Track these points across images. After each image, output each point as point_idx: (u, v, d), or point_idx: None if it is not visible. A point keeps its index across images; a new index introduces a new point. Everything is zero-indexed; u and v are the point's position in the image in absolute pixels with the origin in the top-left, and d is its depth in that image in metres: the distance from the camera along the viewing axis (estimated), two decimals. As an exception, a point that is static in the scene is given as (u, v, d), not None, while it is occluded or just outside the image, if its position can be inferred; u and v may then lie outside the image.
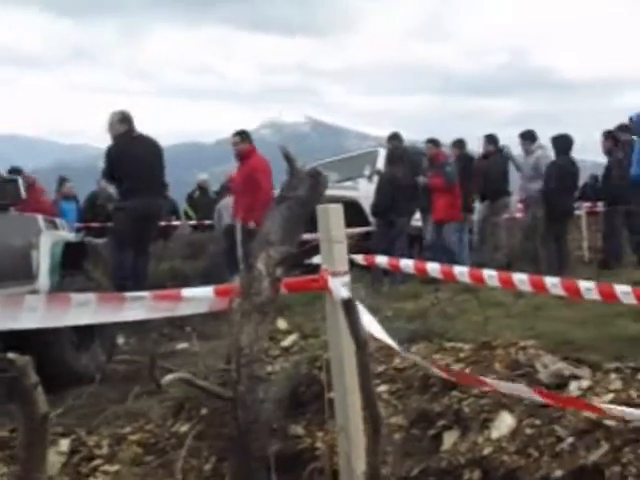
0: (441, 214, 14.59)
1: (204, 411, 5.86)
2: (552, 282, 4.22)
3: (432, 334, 6.92)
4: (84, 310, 4.43)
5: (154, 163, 12.69)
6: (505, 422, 5.20)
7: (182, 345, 10.11)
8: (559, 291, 4.17)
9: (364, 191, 16.76)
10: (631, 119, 13.32)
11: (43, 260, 9.44)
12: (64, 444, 5.84)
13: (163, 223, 20.33)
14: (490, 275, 4.45)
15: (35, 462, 2.86)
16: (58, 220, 11.08)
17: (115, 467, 5.63)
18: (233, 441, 3.08)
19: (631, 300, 4.02)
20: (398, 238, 13.98)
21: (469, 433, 5.28)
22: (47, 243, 9.59)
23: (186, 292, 4.40)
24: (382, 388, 5.98)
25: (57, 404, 6.90)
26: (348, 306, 3.36)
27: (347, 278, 3.77)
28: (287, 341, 7.24)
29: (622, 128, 14.10)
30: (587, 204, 16.51)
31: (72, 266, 9.86)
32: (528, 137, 15.06)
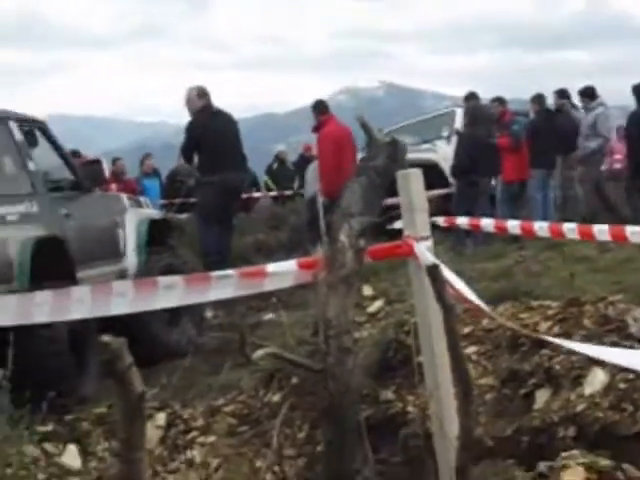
0: (510, 174, 14.44)
1: (294, 380, 5.92)
2: (632, 231, 4.15)
3: (518, 293, 6.88)
4: (172, 293, 4.51)
5: (233, 137, 12.80)
6: (598, 378, 5.15)
7: (269, 316, 10.20)
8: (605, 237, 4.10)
9: (442, 153, 16.72)
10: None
11: (129, 238, 9.62)
12: (161, 418, 5.96)
13: (244, 196, 20.50)
14: (569, 228, 4.40)
15: (134, 440, 2.93)
16: (142, 198, 11.27)
17: (211, 438, 5.73)
18: (325, 412, 3.10)
19: None
20: (480, 198, 13.84)
21: (561, 391, 5.25)
22: (132, 221, 9.76)
23: (271, 267, 4.44)
24: (471, 349, 5.96)
25: (152, 380, 7.05)
26: (433, 272, 3.36)
27: (430, 242, 3.77)
28: (373, 307, 7.26)
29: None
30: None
31: (158, 243, 10.01)
32: (587, 94, 14.82)
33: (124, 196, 10.40)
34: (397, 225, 4.04)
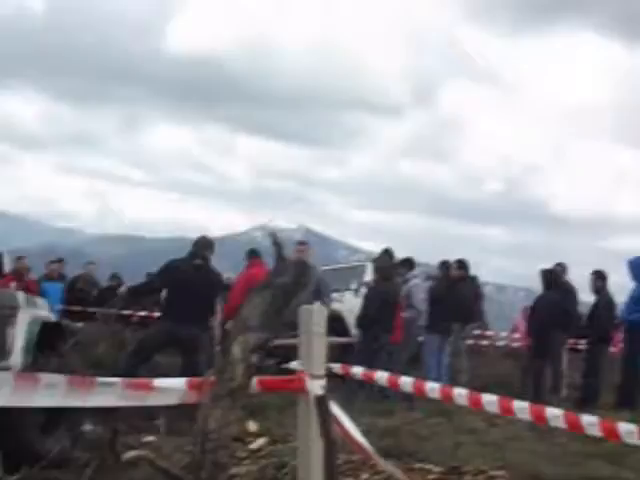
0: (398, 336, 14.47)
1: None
2: (520, 407, 4.19)
3: (403, 453, 6.83)
4: (52, 392, 4.35)
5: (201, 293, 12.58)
6: None
7: (149, 438, 9.93)
8: (526, 416, 4.13)
9: (349, 304, 16.76)
10: (630, 263, 13.38)
11: (18, 337, 9.35)
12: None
13: (145, 314, 20.20)
14: (459, 394, 4.41)
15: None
16: (39, 299, 11.01)
17: None
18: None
19: (595, 432, 3.99)
20: (379, 352, 13.87)
21: None
22: (24, 320, 9.51)
23: (158, 382, 4.34)
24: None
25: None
26: (321, 403, 3.34)
27: (323, 382, 3.74)
28: (256, 444, 7.14)
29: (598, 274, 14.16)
30: (570, 340, 16.46)
31: (48, 347, 9.75)
32: (406, 265, 15.38)
33: (20, 294, 10.16)
34: (293, 365, 4.00)
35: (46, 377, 4.45)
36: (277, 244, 3.29)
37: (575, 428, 4.02)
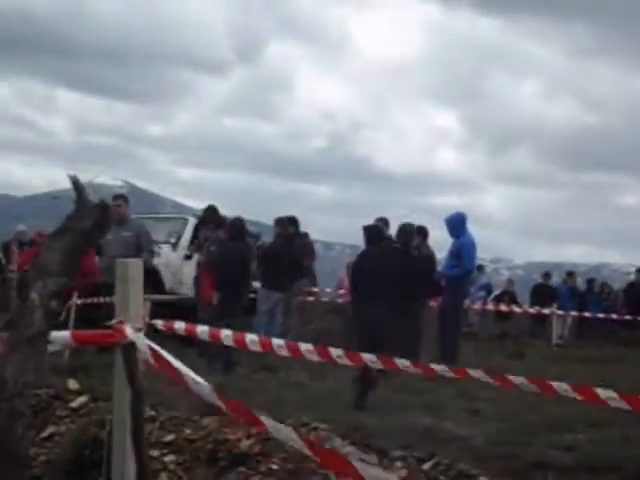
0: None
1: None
2: (338, 353, 4.25)
3: (226, 408, 6.81)
4: None
5: None
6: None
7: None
8: (346, 361, 4.20)
9: (165, 259, 16.24)
10: (447, 220, 13.78)
11: None
12: None
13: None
14: (279, 345, 4.44)
15: None
16: None
17: None
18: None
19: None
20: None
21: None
22: None
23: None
24: (169, 458, 5.85)
25: None
26: (128, 350, 3.29)
27: (142, 334, 3.67)
28: (76, 402, 6.99)
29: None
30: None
31: None
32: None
33: None
34: (114, 321, 3.92)
35: None
36: (78, 187, 3.19)
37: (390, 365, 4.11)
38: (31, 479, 5.58)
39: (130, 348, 3.37)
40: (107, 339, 3.64)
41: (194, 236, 16.47)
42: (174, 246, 16.60)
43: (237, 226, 13.88)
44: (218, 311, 12.71)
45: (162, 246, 16.55)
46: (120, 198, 13.63)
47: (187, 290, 15.71)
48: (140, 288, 3.82)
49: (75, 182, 3.21)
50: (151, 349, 3.59)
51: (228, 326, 7.72)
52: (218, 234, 14.17)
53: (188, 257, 16.29)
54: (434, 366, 4.20)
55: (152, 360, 3.64)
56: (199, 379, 3.80)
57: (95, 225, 3.20)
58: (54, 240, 3.17)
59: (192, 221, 16.91)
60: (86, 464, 5.77)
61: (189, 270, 15.92)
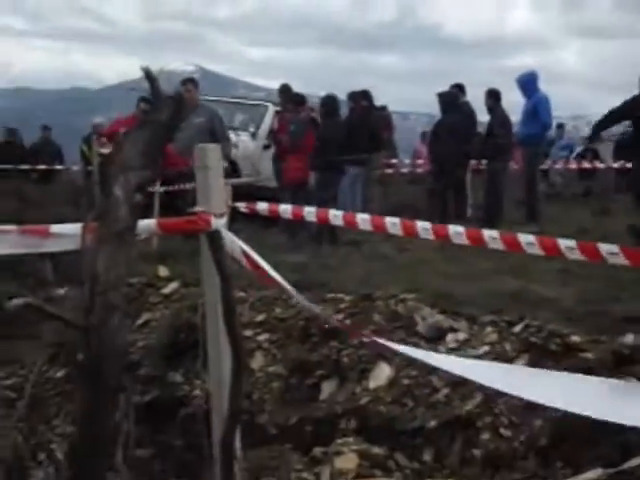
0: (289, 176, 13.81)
1: (80, 357, 5.75)
2: (423, 227, 4.21)
3: (313, 285, 6.91)
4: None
5: None
6: (383, 372, 5.25)
7: (61, 291, 9.87)
8: (429, 236, 4.16)
9: (243, 150, 15.78)
10: (519, 80, 13.53)
11: None
12: None
13: (45, 167, 19.85)
14: (363, 219, 4.42)
15: None
16: None
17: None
18: (84, 371, 2.98)
19: (497, 245, 4.04)
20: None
21: (347, 383, 5.32)
22: None
23: (55, 228, 4.24)
24: (262, 337, 5.97)
25: None
26: (214, 239, 3.31)
27: (225, 220, 3.70)
28: (168, 289, 7.15)
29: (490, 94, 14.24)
30: (473, 162, 16.66)
31: None
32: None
33: None
34: (197, 209, 3.95)
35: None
36: (151, 80, 3.18)
37: (477, 242, 4.06)
38: (131, 364, 5.76)
39: (215, 235, 3.39)
40: (191, 226, 3.68)
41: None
42: (253, 135, 16.33)
43: (330, 103, 13.73)
44: (321, 189, 12.70)
45: (240, 134, 16.18)
46: (189, 82, 13.23)
47: (266, 181, 15.32)
48: (220, 174, 3.83)
49: (148, 74, 3.20)
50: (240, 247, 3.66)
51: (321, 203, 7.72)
52: (301, 114, 13.94)
53: (267, 147, 16.02)
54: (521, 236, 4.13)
55: (242, 257, 3.70)
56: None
57: (171, 116, 3.20)
58: (133, 134, 3.18)
59: (272, 109, 16.55)
60: (182, 347, 5.94)
61: (268, 160, 15.54)
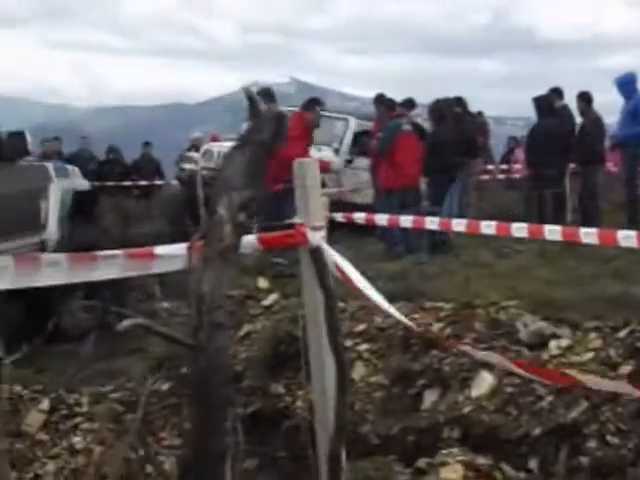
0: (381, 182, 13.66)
1: (183, 370, 5.85)
2: (518, 227, 4.18)
3: (412, 294, 6.90)
4: (55, 270, 4.37)
5: None
6: (485, 381, 5.21)
7: (166, 305, 10.03)
8: (524, 234, 4.12)
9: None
10: (617, 82, 13.32)
11: (52, 210, 9.45)
12: (44, 402, 5.83)
13: (146, 183, 20.22)
14: (458, 222, 4.41)
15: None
16: (70, 167, 10.99)
17: (95, 425, 5.62)
18: (193, 389, 3.05)
19: (592, 240, 3.98)
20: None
21: (449, 392, 5.30)
22: (57, 192, 9.59)
23: (159, 249, 4.35)
24: (363, 347, 5.98)
25: (39, 364, 6.93)
26: (316, 255, 3.34)
27: (324, 233, 3.73)
28: (268, 300, 7.21)
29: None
30: (572, 165, 16.39)
31: (83, 214, 9.86)
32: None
33: (50, 165, 10.17)
34: (297, 220, 4.00)
35: (47, 256, 4.47)
36: (251, 98, 3.23)
37: (572, 237, 4.01)
38: (234, 376, 5.83)
39: (317, 251, 3.43)
40: (291, 241, 3.72)
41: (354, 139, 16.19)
42: (336, 151, 16.30)
43: (439, 109, 13.60)
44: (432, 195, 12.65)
45: (323, 148, 15.99)
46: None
47: (349, 196, 15.23)
48: (318, 188, 3.86)
49: (248, 94, 3.26)
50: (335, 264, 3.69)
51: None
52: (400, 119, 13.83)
53: (349, 162, 16.03)
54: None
55: (337, 272, 3.72)
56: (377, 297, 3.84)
57: (273, 135, 3.24)
58: (235, 153, 3.23)
59: (353, 122, 16.52)
60: (283, 359, 5.98)
61: (349, 175, 15.65)
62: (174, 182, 20.86)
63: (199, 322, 2.98)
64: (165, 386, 6.26)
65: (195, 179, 15.20)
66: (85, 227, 9.76)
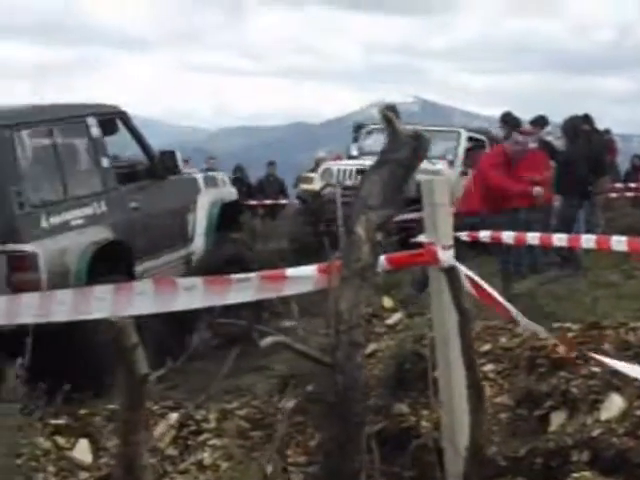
0: None
1: (309, 387, 5.90)
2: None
3: (540, 314, 6.82)
4: (191, 294, 4.50)
5: None
6: (615, 403, 5.11)
7: (289, 323, 10.12)
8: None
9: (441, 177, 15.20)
10: None
11: (199, 222, 9.69)
12: (173, 418, 5.95)
13: (271, 202, 20.50)
14: (587, 239, 4.35)
15: (134, 422, 2.92)
16: (220, 175, 11.20)
17: (222, 441, 5.70)
18: (330, 407, 3.08)
19: None
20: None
21: (577, 414, 5.21)
22: (204, 204, 9.82)
23: (290, 272, 4.43)
24: (488, 367, 5.92)
25: (166, 380, 7.07)
26: (451, 274, 3.34)
27: (452, 252, 3.74)
28: (392, 319, 7.21)
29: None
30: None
31: (229, 226, 10.05)
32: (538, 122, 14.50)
33: (200, 177, 10.39)
34: (421, 238, 4.02)
35: (183, 281, 4.61)
36: (388, 118, 3.26)
37: None
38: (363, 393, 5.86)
39: (451, 270, 3.44)
40: (420, 260, 3.74)
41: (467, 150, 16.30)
42: (451, 163, 16.41)
43: (571, 127, 13.44)
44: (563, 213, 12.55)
45: (436, 162, 15.95)
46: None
47: None
48: (447, 207, 3.87)
49: (385, 115, 3.30)
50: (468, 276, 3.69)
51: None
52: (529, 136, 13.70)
53: (464, 174, 16.01)
54: None
55: (471, 288, 3.73)
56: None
57: (411, 155, 3.27)
58: (372, 173, 3.27)
59: (464, 134, 16.63)
60: (407, 378, 5.98)
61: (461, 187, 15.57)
62: (295, 201, 21.11)
63: (337, 341, 3.03)
64: (290, 404, 6.31)
65: (316, 199, 15.41)
66: (230, 239, 9.94)
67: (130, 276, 8.29)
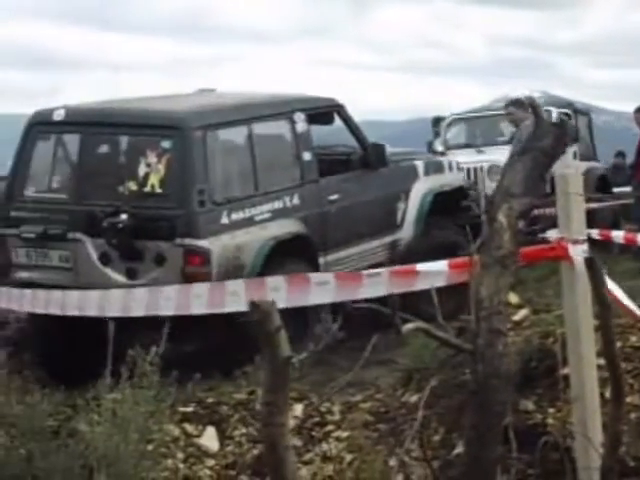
0: None
1: (434, 382, 5.88)
2: None
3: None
4: (324, 289, 4.55)
5: None
6: None
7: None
8: None
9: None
10: None
11: (410, 210, 9.75)
12: (298, 409, 6.01)
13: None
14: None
15: (277, 404, 2.97)
16: (446, 161, 11.18)
17: (346, 433, 5.73)
18: (472, 395, 3.07)
19: None
20: None
21: None
22: (419, 192, 9.87)
23: (421, 267, 4.43)
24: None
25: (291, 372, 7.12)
26: (591, 265, 3.29)
27: (585, 247, 3.68)
28: (518, 315, 7.13)
29: None
30: None
31: (446, 212, 10.05)
32: None
33: (421, 164, 10.35)
34: (549, 234, 3.97)
35: (316, 276, 4.66)
36: (534, 106, 3.24)
37: None
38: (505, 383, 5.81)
39: (591, 261, 3.39)
40: (552, 254, 3.69)
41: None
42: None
43: None
44: None
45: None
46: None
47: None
48: (581, 200, 3.81)
49: (532, 104, 3.28)
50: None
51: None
52: None
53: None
54: None
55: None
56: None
57: (555, 143, 3.25)
58: (515, 161, 3.26)
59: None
60: (533, 375, 5.90)
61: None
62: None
63: (477, 328, 3.02)
64: (414, 398, 6.30)
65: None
66: (444, 226, 9.92)
67: (314, 268, 8.47)
